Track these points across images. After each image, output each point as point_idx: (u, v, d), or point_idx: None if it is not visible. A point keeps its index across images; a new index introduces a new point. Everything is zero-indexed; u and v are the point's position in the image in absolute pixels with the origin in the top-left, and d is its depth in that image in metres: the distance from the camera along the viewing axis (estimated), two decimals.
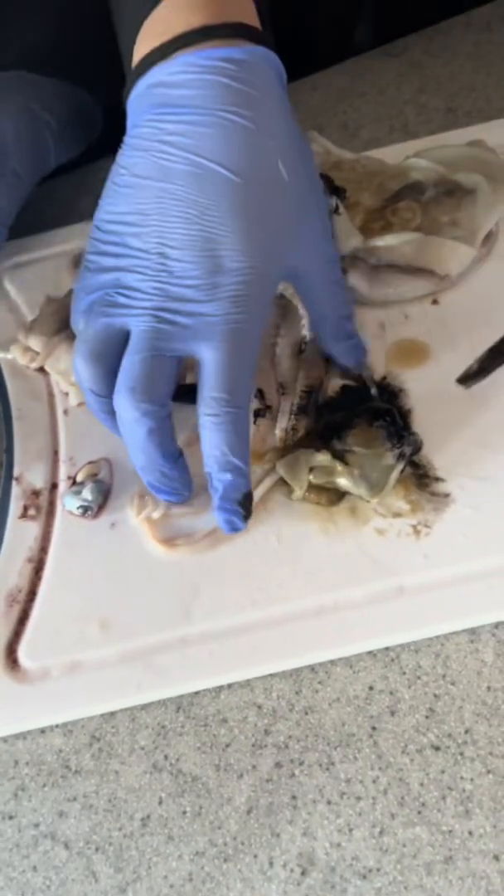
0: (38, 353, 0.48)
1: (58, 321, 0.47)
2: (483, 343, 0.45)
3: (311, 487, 0.41)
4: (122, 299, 0.38)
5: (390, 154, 0.52)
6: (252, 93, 0.38)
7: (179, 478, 0.40)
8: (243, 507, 0.39)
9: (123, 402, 0.37)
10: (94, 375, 0.38)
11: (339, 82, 0.61)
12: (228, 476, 0.38)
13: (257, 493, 0.41)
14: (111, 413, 0.39)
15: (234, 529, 0.40)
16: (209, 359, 0.37)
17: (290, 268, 0.40)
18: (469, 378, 0.44)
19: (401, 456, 0.41)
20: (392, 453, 0.41)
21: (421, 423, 0.43)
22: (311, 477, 0.41)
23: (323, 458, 0.41)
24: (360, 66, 0.61)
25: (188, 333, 0.37)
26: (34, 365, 0.48)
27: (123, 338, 0.38)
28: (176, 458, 0.39)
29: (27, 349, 0.48)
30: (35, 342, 0.48)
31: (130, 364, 0.37)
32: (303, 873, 0.35)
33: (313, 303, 0.43)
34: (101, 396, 0.39)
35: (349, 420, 0.42)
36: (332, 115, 0.59)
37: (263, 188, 0.38)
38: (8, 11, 0.53)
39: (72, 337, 0.45)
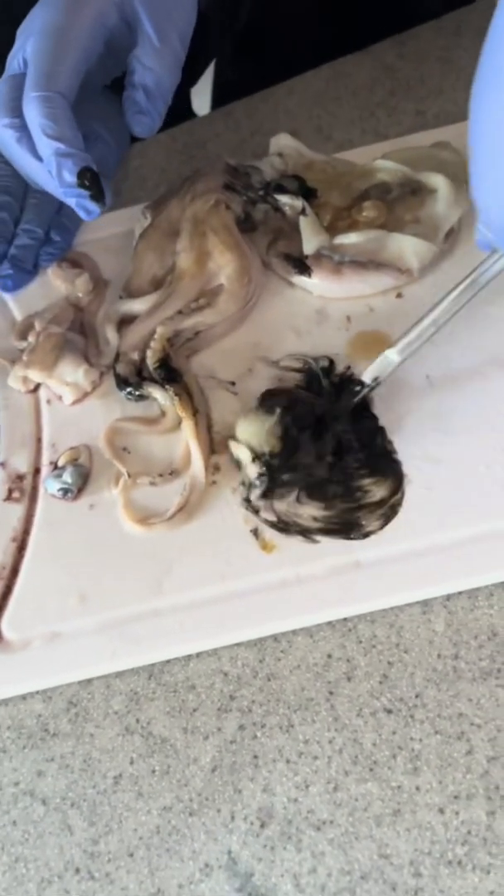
0: (34, 381, 0.50)
1: (56, 355, 0.49)
2: (442, 333, 0.47)
3: None
4: None
5: (360, 155, 0.55)
6: None
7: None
8: (88, 188, 0.43)
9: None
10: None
11: (315, 86, 0.63)
12: (54, 160, 0.43)
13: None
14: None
15: (88, 213, 0.44)
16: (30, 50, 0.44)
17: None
18: None
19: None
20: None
21: (381, 409, 0.45)
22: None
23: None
24: (333, 70, 0.64)
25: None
26: (27, 388, 0.50)
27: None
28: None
29: (25, 379, 0.50)
30: (35, 375, 0.49)
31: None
32: (262, 826, 0.37)
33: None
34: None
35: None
36: (308, 119, 0.61)
37: None
38: None
39: (68, 352, 0.48)
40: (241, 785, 0.38)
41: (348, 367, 0.47)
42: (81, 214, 0.44)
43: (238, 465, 0.45)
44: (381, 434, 0.44)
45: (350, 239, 0.49)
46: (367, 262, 0.49)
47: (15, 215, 0.53)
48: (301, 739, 0.39)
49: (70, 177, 0.43)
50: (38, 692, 0.42)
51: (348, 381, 0.46)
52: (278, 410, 0.45)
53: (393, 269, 0.49)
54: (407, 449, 0.44)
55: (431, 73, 0.62)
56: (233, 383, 0.49)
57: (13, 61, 0.47)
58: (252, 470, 0.44)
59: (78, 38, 0.45)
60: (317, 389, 0.46)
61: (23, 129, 0.45)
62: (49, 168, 0.44)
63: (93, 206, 0.43)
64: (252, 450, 0.44)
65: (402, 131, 0.58)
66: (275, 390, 0.46)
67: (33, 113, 0.44)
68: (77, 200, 0.43)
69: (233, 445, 0.45)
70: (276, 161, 0.54)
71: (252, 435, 0.45)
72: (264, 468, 0.43)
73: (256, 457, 0.44)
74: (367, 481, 0.43)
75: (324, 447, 0.44)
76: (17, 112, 0.45)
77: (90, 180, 0.43)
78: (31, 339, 0.51)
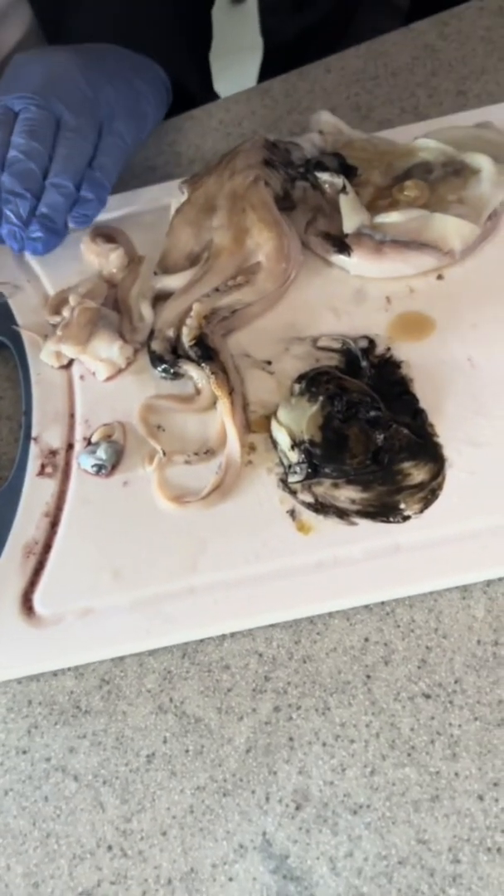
0: (68, 356, 0.50)
1: (91, 330, 0.49)
2: (486, 316, 0.47)
3: None
4: None
5: (401, 135, 0.54)
6: None
7: None
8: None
9: None
10: None
11: (353, 65, 0.62)
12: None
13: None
14: None
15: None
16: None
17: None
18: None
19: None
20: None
21: (422, 392, 0.45)
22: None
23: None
24: (373, 49, 0.63)
25: None
26: (60, 364, 0.50)
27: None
28: None
29: (59, 354, 0.49)
30: (69, 350, 0.49)
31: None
32: (297, 808, 0.37)
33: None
34: None
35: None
36: (345, 97, 0.60)
37: None
38: None
39: (102, 328, 0.47)
40: (276, 766, 0.38)
41: (388, 349, 0.47)
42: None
43: (275, 444, 0.44)
44: (422, 417, 0.44)
45: (391, 218, 0.48)
46: (409, 242, 0.48)
47: (44, 166, 0.50)
48: (337, 722, 0.38)
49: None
50: (70, 669, 0.42)
51: (389, 363, 0.46)
52: (321, 399, 0.44)
53: (435, 250, 0.48)
54: (448, 432, 0.43)
55: (474, 53, 0.60)
56: (269, 362, 0.48)
57: None
58: (292, 456, 0.43)
59: None
60: (356, 371, 0.46)
61: None
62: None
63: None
64: (292, 435, 0.43)
65: (443, 111, 0.57)
66: (319, 373, 0.45)
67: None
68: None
69: (274, 427, 0.44)
70: (315, 138, 0.53)
71: (293, 420, 0.44)
72: (304, 455, 0.43)
73: (296, 444, 0.43)
74: (407, 464, 0.43)
75: (369, 443, 0.43)
76: None
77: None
78: (65, 313, 0.50)
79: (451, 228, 0.48)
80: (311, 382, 0.45)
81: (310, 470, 0.42)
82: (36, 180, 0.49)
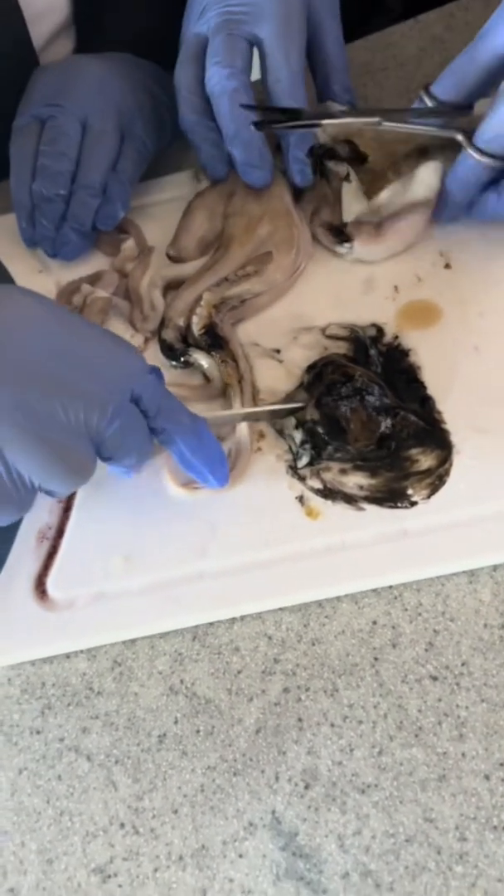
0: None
1: (102, 319, 0.50)
2: (493, 304, 0.47)
3: None
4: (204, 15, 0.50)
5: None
6: None
7: (260, 148, 0.49)
8: (311, 157, 0.49)
9: (212, 76, 0.49)
10: (190, 75, 0.50)
11: (361, 57, 0.62)
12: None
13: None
14: (201, 112, 0.50)
15: (305, 178, 0.50)
16: (266, 34, 0.48)
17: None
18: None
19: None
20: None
21: (430, 379, 0.45)
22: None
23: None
24: (381, 41, 0.63)
25: (249, 18, 0.49)
26: None
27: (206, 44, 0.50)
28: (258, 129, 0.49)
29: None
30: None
31: (213, 46, 0.49)
32: (306, 787, 0.38)
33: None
34: (193, 95, 0.50)
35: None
36: (354, 88, 0.61)
37: None
38: None
39: (114, 317, 0.50)
40: (285, 747, 0.38)
41: (396, 337, 0.47)
42: (297, 179, 0.50)
43: (281, 433, 0.45)
44: (430, 404, 0.44)
45: (381, 198, 0.49)
46: (399, 211, 0.48)
47: (70, 170, 0.51)
48: (346, 704, 0.39)
49: (304, 145, 0.50)
50: (82, 651, 0.42)
51: (397, 351, 0.46)
52: (326, 384, 0.44)
53: (420, 205, 0.48)
54: (456, 419, 0.44)
55: None
56: (277, 351, 0.48)
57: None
58: (297, 436, 0.44)
59: None
60: (364, 359, 0.46)
61: (246, 86, 0.49)
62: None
63: (310, 175, 0.51)
64: (297, 417, 0.44)
65: None
66: (326, 364, 0.46)
67: None
68: (300, 167, 0.50)
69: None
70: (328, 127, 0.53)
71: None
72: (308, 435, 0.43)
73: (300, 424, 0.44)
74: (415, 451, 0.43)
75: (375, 428, 0.43)
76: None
77: (314, 154, 0.50)
78: (76, 302, 0.51)
79: (422, 178, 0.48)
80: (319, 375, 0.45)
81: (314, 451, 0.43)
82: (65, 185, 0.51)
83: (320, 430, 0.43)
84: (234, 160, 0.50)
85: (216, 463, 0.41)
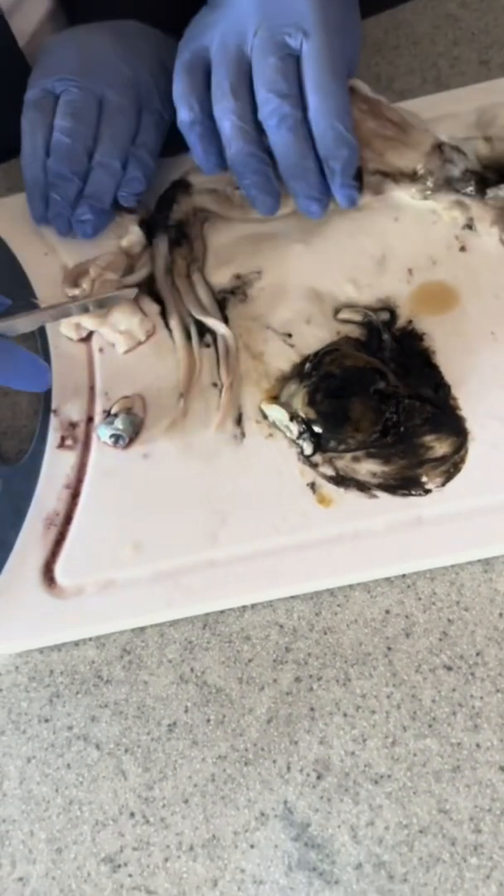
0: (87, 329, 0.49)
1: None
2: None
3: None
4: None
5: (423, 106, 0.53)
6: None
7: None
8: (358, 181, 0.47)
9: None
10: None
11: (374, 35, 0.61)
12: (345, 152, 0.45)
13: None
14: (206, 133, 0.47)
15: (353, 203, 0.47)
16: (311, 35, 0.44)
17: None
18: None
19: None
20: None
21: (444, 365, 0.44)
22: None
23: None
24: (394, 18, 0.61)
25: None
26: (79, 336, 0.49)
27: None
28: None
29: (78, 326, 0.49)
30: (88, 323, 0.49)
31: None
32: (318, 777, 0.37)
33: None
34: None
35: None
36: (366, 67, 0.59)
37: None
38: None
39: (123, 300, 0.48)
40: (297, 736, 0.38)
41: (410, 321, 0.46)
42: (344, 203, 0.47)
43: (276, 426, 0.44)
44: (445, 390, 0.43)
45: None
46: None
47: (88, 147, 0.50)
48: (358, 693, 0.38)
49: (352, 170, 0.46)
50: (91, 639, 0.42)
51: (410, 336, 0.45)
52: (313, 379, 0.44)
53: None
54: (471, 406, 0.43)
55: (496, 22, 0.59)
56: (289, 335, 0.47)
57: None
58: (293, 428, 0.43)
59: None
60: (377, 343, 0.45)
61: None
62: (331, 164, 0.45)
63: (358, 198, 0.47)
64: (288, 410, 0.43)
65: (466, 81, 0.56)
66: (328, 349, 0.45)
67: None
68: (349, 192, 0.46)
69: (265, 408, 0.44)
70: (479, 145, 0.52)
71: (288, 396, 0.44)
72: (304, 426, 0.42)
73: (293, 417, 0.43)
74: (429, 437, 0.42)
75: (378, 416, 0.42)
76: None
77: (360, 175, 0.47)
78: (84, 285, 0.50)
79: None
80: (317, 365, 0.45)
81: (313, 440, 0.42)
82: (81, 162, 0.49)
83: (315, 426, 0.42)
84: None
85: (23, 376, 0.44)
